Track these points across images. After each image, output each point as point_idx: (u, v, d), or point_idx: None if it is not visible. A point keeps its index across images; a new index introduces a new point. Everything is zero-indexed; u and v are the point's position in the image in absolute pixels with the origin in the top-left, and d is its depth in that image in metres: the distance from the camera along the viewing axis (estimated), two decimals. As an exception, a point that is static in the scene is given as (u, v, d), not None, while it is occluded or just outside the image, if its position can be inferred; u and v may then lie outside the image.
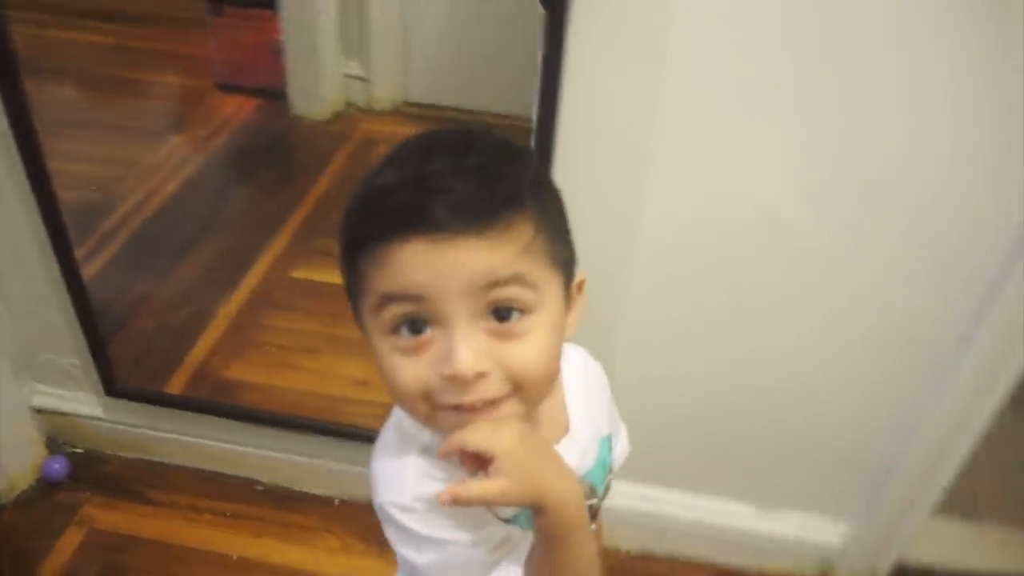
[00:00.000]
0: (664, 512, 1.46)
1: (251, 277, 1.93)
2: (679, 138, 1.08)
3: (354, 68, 2.45)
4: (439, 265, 0.54)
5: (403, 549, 0.66)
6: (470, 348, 0.56)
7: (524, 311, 0.57)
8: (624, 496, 1.30)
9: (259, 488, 1.57)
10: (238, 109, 2.50)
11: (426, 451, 0.65)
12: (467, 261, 0.54)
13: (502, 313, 0.57)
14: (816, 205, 1.10)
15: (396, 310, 0.57)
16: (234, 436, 1.55)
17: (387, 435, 0.70)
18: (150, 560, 1.45)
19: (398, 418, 0.69)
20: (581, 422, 0.72)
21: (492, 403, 0.58)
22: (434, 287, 0.55)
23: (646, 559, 1.51)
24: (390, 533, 0.66)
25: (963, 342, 1.16)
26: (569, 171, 1.09)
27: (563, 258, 0.61)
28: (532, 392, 0.60)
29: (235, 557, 1.45)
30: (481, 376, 0.56)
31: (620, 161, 1.12)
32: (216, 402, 1.58)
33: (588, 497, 0.71)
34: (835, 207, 1.10)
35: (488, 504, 0.61)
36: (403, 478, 0.64)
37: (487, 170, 0.56)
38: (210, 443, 1.56)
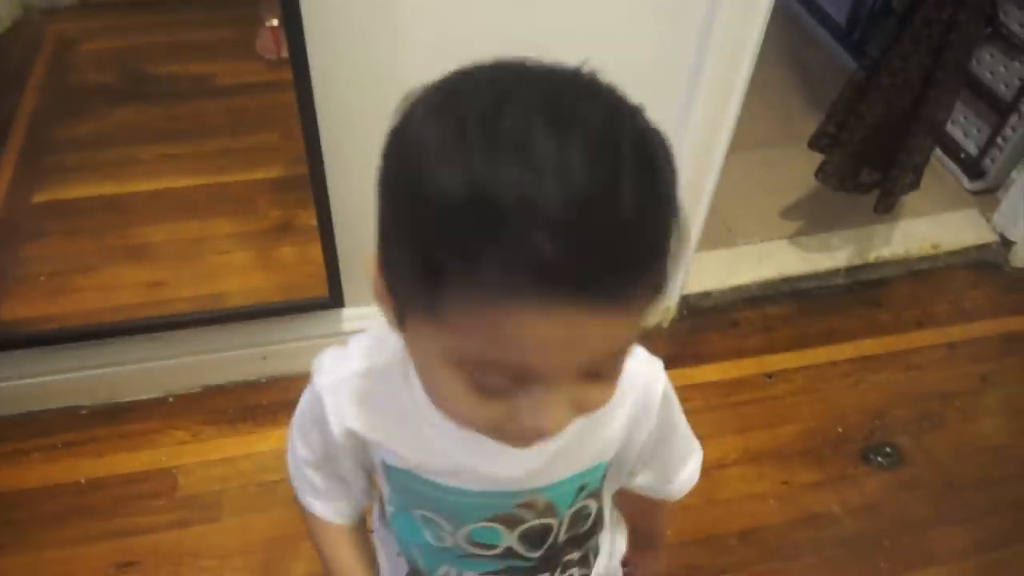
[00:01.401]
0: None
1: (-13, 214, 1.75)
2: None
3: (21, -35, 2.17)
4: (565, 343, 0.43)
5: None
6: (560, 410, 0.48)
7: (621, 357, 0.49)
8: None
9: (83, 412, 1.50)
10: None
11: (368, 374, 0.63)
12: (597, 335, 0.44)
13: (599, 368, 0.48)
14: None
15: (487, 375, 0.46)
16: (34, 369, 1.46)
17: (352, 347, 0.65)
18: (-12, 516, 1.37)
19: (370, 350, 0.63)
20: (575, 436, 0.60)
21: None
22: (549, 364, 0.45)
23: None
24: None
25: (692, 87, 1.33)
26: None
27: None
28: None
29: (83, 481, 1.41)
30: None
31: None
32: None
33: (542, 516, 0.66)
34: None
35: None
36: (328, 370, 0.64)
37: (644, 210, 0.42)
38: (8, 384, 1.46)
